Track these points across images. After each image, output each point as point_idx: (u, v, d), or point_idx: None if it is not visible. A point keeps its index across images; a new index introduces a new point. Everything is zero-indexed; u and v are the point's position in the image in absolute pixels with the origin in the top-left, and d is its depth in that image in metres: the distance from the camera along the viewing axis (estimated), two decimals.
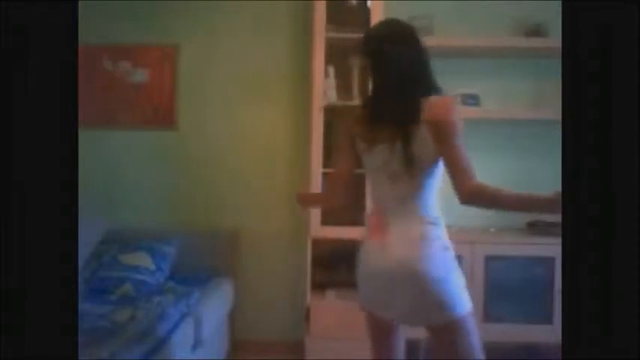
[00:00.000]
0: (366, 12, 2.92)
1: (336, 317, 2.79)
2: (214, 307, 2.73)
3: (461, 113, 1.68)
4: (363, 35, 1.81)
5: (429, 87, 1.68)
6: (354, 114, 1.79)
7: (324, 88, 2.89)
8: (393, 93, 1.66)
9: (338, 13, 2.92)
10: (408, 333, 2.92)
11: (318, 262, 3.00)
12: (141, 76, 3.28)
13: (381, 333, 1.79)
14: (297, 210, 2.56)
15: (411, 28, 1.77)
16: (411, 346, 3.05)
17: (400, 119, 1.62)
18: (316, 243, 2.92)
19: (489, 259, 2.88)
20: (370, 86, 1.79)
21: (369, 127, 1.70)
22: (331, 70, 2.94)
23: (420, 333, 2.92)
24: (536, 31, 3.07)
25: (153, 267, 2.85)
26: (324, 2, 2.86)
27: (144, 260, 2.86)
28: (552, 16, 2.92)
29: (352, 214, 2.91)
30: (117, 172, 3.31)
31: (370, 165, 1.73)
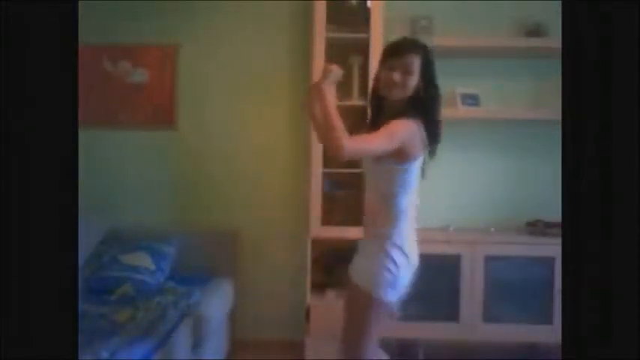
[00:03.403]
0: (366, 12, 2.92)
1: (336, 317, 2.78)
2: (214, 307, 2.73)
3: None
4: (404, 38, 1.96)
5: None
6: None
7: None
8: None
9: (338, 13, 2.92)
10: (407, 333, 2.92)
11: (319, 262, 3.00)
12: (141, 76, 3.28)
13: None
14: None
15: None
16: (411, 346, 3.05)
17: None
18: (316, 243, 2.92)
19: (489, 259, 2.88)
20: (413, 83, 1.83)
21: None
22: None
23: (419, 333, 2.93)
24: (536, 31, 3.07)
25: (153, 267, 2.84)
26: (324, 2, 2.86)
27: (144, 260, 2.85)
28: (552, 16, 2.92)
29: (352, 215, 2.91)
30: (117, 172, 3.31)
31: (419, 166, 1.87)
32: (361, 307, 1.87)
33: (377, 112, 1.94)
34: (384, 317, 1.88)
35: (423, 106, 1.83)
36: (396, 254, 1.82)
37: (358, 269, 1.90)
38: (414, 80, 1.82)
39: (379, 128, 1.77)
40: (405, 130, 1.76)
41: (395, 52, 1.86)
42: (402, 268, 1.82)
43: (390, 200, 1.83)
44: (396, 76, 1.81)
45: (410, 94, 1.83)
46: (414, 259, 1.89)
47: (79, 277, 2.66)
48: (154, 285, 2.78)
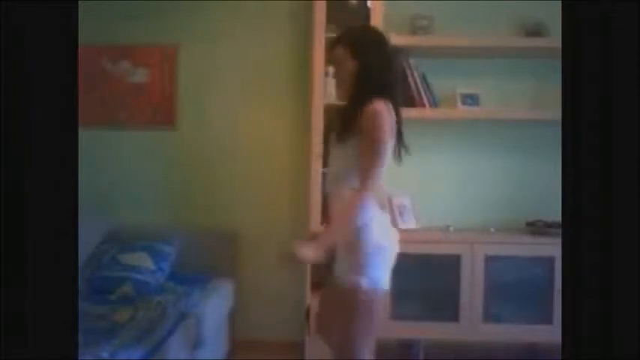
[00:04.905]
0: (366, 12, 2.92)
1: None
2: (214, 307, 2.73)
3: None
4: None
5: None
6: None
7: (324, 87, 2.89)
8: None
9: (338, 13, 2.92)
10: (407, 333, 2.92)
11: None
12: (141, 76, 3.28)
13: None
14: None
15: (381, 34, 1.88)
16: (411, 346, 3.05)
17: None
18: None
19: (489, 259, 2.88)
20: (345, 72, 1.83)
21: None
22: (331, 70, 2.94)
23: (419, 333, 2.92)
24: (536, 31, 3.07)
25: (153, 267, 2.84)
26: (324, 2, 2.86)
27: (144, 260, 2.85)
28: (552, 16, 2.92)
29: None
30: (117, 171, 3.31)
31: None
32: (353, 305, 1.78)
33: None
34: (378, 309, 1.82)
35: (374, 87, 1.77)
36: (368, 236, 1.79)
37: (341, 270, 1.83)
38: (345, 69, 1.81)
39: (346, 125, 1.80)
40: (380, 116, 1.72)
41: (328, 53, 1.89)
42: (380, 249, 1.79)
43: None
44: (332, 74, 1.84)
45: (350, 85, 1.81)
46: (391, 241, 1.84)
47: (79, 277, 2.66)
48: (154, 285, 2.78)
